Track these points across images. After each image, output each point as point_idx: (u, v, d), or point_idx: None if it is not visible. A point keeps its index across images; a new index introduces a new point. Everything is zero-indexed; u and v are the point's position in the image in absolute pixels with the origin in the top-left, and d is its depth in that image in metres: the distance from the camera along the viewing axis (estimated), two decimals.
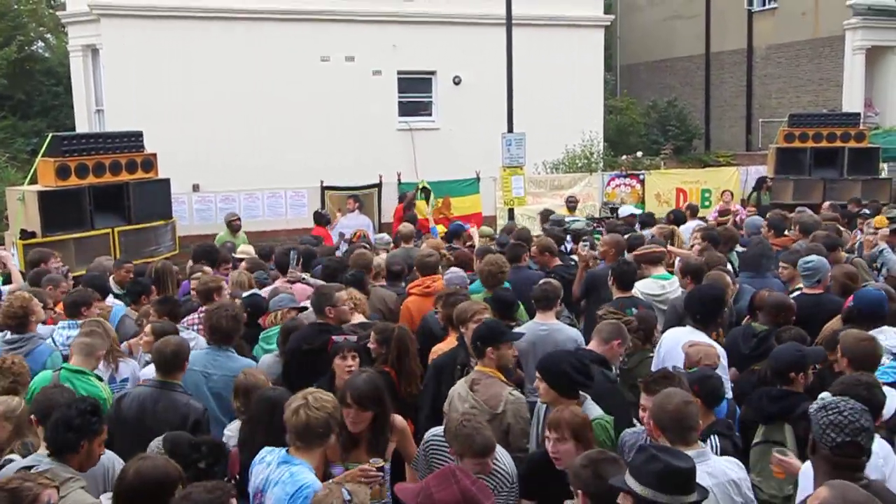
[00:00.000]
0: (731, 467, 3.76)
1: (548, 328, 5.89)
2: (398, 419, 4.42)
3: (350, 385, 4.17)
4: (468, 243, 10.37)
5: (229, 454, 4.26)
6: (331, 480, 3.99)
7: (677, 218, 10.96)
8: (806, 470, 3.61)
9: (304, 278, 7.86)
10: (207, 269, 8.06)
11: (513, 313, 6.27)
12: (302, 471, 3.73)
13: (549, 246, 8.22)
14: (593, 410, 4.39)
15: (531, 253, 8.16)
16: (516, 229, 9.91)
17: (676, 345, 5.48)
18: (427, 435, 4.38)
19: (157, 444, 4.05)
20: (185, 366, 4.97)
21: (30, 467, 3.71)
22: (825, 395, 3.60)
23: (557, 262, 8.17)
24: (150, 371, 5.33)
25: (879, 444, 3.74)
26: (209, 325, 5.53)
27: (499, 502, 3.92)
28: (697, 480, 3.38)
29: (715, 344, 5.42)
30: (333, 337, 5.12)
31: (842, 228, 10.07)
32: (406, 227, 10.37)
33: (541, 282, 6.44)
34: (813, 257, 6.86)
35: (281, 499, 3.65)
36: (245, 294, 6.95)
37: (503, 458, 4.11)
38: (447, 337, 5.92)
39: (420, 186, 16.33)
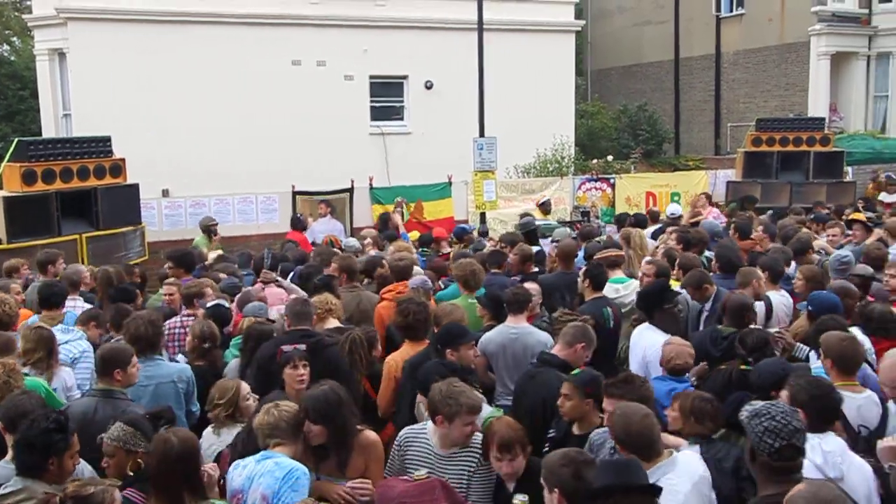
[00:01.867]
0: (696, 460, 3.82)
1: (518, 331, 5.90)
2: (367, 436, 4.28)
3: (304, 397, 4.16)
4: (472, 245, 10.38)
5: (220, 455, 4.29)
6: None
7: (638, 221, 11.18)
8: None
9: (277, 280, 7.80)
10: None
11: (504, 313, 6.25)
12: (286, 459, 3.79)
13: (529, 255, 8.27)
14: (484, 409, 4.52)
15: (511, 261, 8.18)
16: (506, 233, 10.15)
17: (638, 341, 5.88)
18: (400, 434, 4.36)
19: (119, 428, 4.01)
20: (116, 373, 4.85)
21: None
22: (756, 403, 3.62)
23: (535, 268, 8.25)
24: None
25: (835, 443, 3.82)
26: (129, 337, 5.40)
27: (480, 475, 4.03)
28: (678, 488, 3.52)
29: (665, 337, 5.58)
30: (283, 347, 5.01)
31: (808, 230, 10.23)
32: (369, 231, 10.51)
33: (513, 286, 6.50)
34: (847, 252, 7.09)
35: (271, 485, 3.67)
36: (210, 304, 6.87)
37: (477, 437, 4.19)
38: (403, 345, 5.86)
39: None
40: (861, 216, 9.57)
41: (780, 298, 6.98)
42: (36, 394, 4.61)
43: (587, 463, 3.34)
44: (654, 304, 6.09)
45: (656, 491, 3.13)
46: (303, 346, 4.99)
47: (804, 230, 9.73)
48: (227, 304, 6.98)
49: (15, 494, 3.54)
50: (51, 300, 6.84)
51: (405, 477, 3.88)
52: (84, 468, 4.11)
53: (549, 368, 5.02)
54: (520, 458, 3.88)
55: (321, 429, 4.01)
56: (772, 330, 5.91)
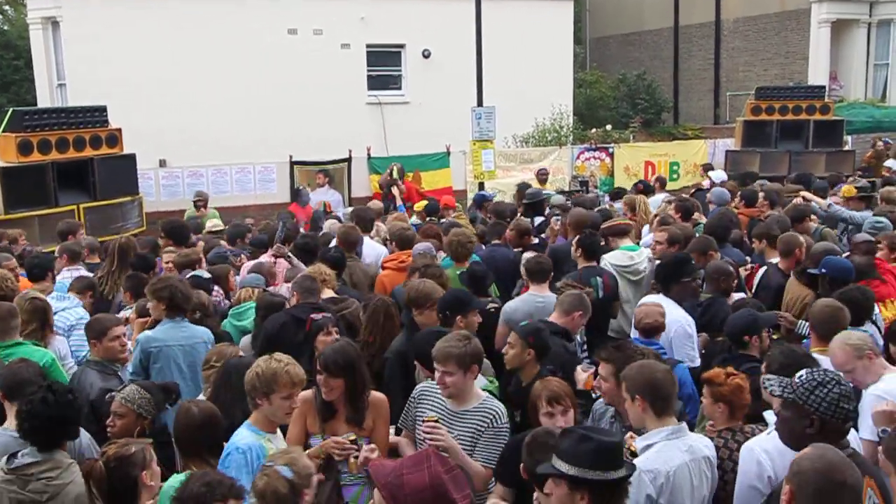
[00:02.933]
0: (706, 444, 3.78)
1: (544, 300, 5.89)
2: (375, 395, 4.35)
3: (322, 353, 4.22)
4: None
5: None
6: (306, 452, 4.01)
7: (646, 188, 11.18)
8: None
9: (288, 254, 7.79)
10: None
11: (486, 288, 6.37)
12: (236, 435, 3.79)
13: (526, 229, 8.26)
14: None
15: (507, 237, 8.15)
16: (493, 203, 10.06)
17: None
18: (416, 388, 4.41)
19: (135, 391, 4.06)
20: (92, 342, 4.94)
21: (15, 454, 3.59)
22: (802, 373, 3.51)
23: (534, 240, 8.25)
24: None
25: None
26: (167, 298, 5.41)
27: (489, 436, 4.05)
28: (674, 454, 3.50)
29: (681, 311, 5.56)
30: (312, 315, 5.12)
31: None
32: (375, 203, 10.43)
33: (534, 255, 6.53)
34: (883, 218, 7.31)
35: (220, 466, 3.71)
36: (190, 274, 6.84)
37: (491, 398, 4.26)
38: None
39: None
40: (853, 191, 9.53)
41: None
42: (33, 362, 4.63)
43: (545, 444, 3.32)
44: (672, 277, 5.96)
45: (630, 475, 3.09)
46: (329, 315, 5.11)
47: (799, 197, 9.76)
48: (206, 275, 6.95)
49: (39, 465, 3.50)
50: (33, 272, 6.86)
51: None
52: (83, 435, 4.11)
53: (550, 337, 5.01)
54: (571, 411, 3.96)
55: (340, 382, 4.06)
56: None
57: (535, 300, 5.93)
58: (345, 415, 4.16)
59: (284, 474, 3.15)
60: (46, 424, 3.60)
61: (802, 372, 3.31)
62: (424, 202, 11.37)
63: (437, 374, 4.07)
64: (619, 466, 2.97)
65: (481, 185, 15.29)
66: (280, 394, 3.79)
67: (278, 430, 3.99)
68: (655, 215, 9.02)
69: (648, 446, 3.59)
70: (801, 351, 4.13)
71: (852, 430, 3.81)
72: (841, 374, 3.36)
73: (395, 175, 14.47)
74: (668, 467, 3.48)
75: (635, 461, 3.43)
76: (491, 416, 4.08)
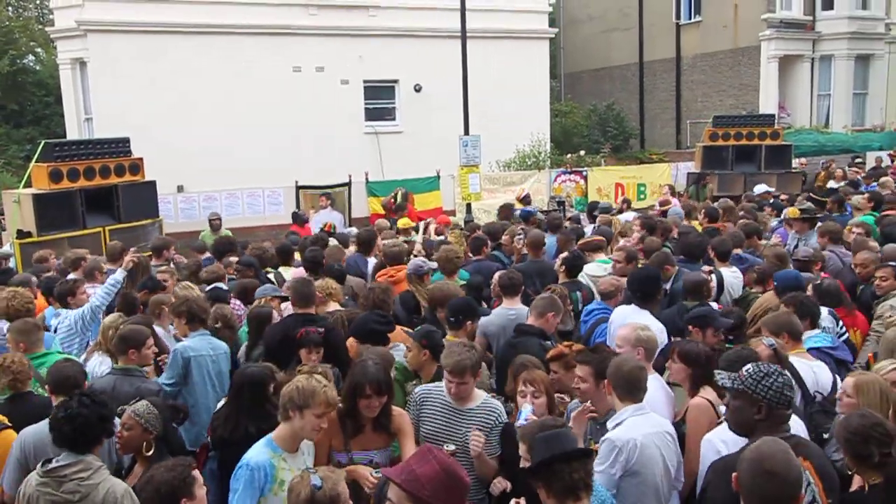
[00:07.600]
0: (664, 421, 3.85)
1: (515, 313, 5.84)
2: (398, 410, 4.13)
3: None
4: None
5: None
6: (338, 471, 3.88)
7: (602, 209, 11.51)
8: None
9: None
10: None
11: (482, 298, 6.49)
12: (253, 448, 3.61)
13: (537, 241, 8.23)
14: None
15: (505, 242, 8.25)
16: (484, 224, 10.11)
17: (622, 320, 5.66)
18: (415, 392, 4.30)
19: (144, 406, 3.90)
20: (131, 353, 4.82)
21: (50, 459, 3.47)
22: (749, 366, 3.46)
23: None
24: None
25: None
26: (187, 313, 5.34)
27: (492, 439, 4.01)
28: (642, 425, 3.66)
29: (656, 321, 5.56)
30: (306, 329, 4.95)
31: (759, 214, 10.27)
32: (382, 222, 10.52)
33: (505, 271, 6.48)
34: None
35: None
36: (209, 287, 6.73)
37: (489, 398, 4.21)
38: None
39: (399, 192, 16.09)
40: (797, 213, 9.49)
41: (730, 275, 7.03)
42: (77, 361, 4.64)
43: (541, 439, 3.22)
44: (653, 291, 5.80)
45: (587, 454, 3.09)
46: (321, 329, 4.98)
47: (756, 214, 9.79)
48: (224, 287, 6.83)
49: (71, 466, 3.39)
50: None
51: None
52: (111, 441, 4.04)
53: (528, 337, 5.12)
54: (544, 398, 4.06)
55: (385, 398, 3.92)
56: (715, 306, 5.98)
57: (507, 313, 5.87)
58: (371, 426, 3.97)
59: (313, 482, 3.01)
60: (80, 432, 3.46)
61: (749, 366, 3.38)
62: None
63: (450, 385, 4.00)
64: (559, 450, 2.95)
65: (468, 206, 15.35)
66: (314, 410, 3.58)
67: (302, 448, 3.73)
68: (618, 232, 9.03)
69: (618, 424, 3.70)
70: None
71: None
72: (779, 367, 3.39)
73: (399, 199, 14.50)
74: (637, 435, 3.60)
75: (609, 435, 3.60)
76: (496, 415, 4.05)
